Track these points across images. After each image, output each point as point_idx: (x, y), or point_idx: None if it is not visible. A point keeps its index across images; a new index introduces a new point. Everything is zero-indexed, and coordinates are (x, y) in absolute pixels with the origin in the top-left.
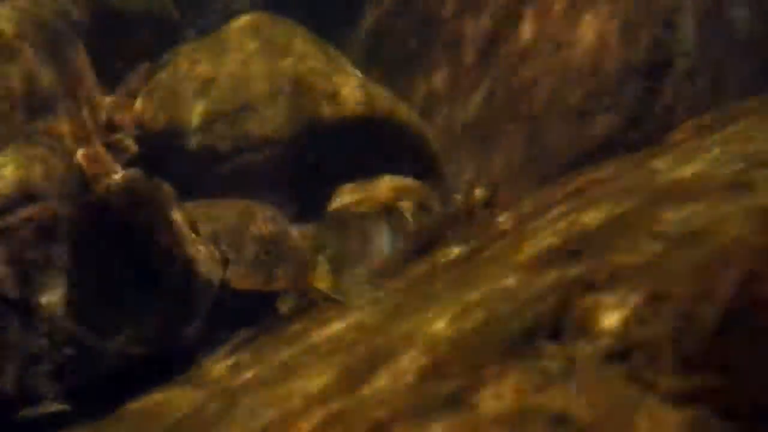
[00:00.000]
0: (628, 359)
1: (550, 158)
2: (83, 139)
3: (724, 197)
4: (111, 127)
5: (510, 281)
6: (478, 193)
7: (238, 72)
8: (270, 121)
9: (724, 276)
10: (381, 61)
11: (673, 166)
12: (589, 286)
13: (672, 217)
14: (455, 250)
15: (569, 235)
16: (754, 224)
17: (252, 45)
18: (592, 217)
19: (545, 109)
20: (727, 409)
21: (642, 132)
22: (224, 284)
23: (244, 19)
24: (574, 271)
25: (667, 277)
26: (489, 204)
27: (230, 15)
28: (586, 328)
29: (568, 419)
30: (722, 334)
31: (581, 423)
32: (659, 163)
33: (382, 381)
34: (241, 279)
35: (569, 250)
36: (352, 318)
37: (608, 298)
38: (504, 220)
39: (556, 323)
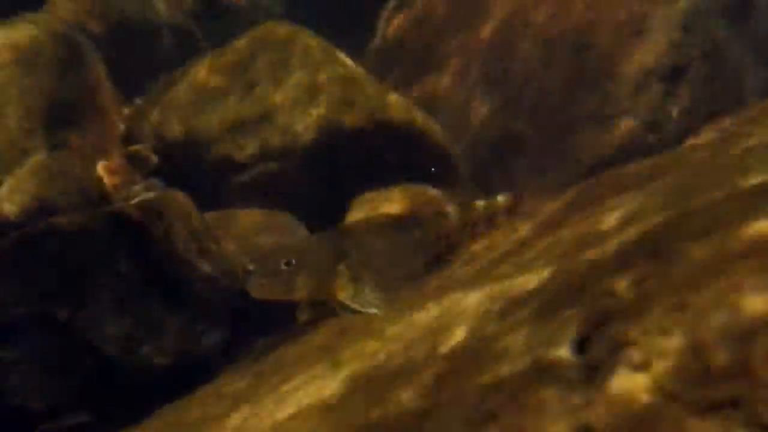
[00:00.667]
0: (651, 369)
1: (571, 164)
2: (103, 151)
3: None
4: (130, 138)
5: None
6: (501, 199)
7: (255, 81)
8: (288, 130)
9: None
10: (395, 68)
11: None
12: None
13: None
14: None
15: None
16: None
17: (270, 55)
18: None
19: (564, 114)
20: (752, 419)
21: (661, 136)
22: (245, 294)
23: (262, 29)
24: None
25: (689, 287)
26: (511, 211)
27: (248, 25)
28: (610, 338)
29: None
30: (747, 342)
31: None
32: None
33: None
34: (262, 289)
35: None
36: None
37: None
38: (523, 227)
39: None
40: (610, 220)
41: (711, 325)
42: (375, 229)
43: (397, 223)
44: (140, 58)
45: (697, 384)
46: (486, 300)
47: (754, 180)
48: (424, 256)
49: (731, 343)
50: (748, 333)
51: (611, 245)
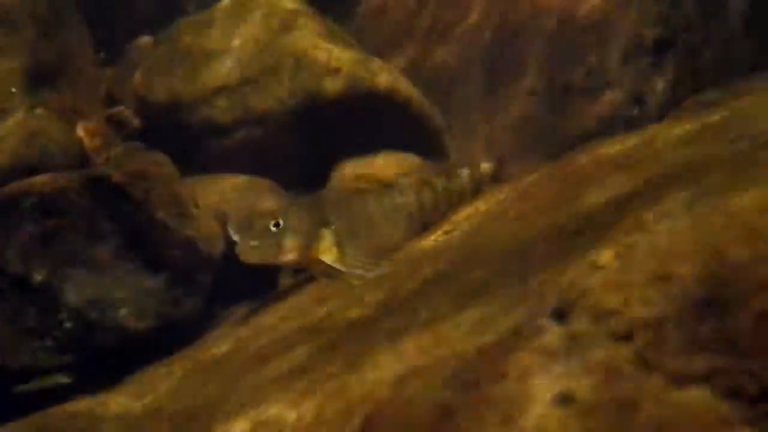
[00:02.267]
0: (633, 340)
1: (554, 135)
2: (83, 113)
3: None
4: (111, 100)
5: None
6: (485, 167)
7: (239, 46)
8: (271, 94)
9: (731, 257)
10: (379, 36)
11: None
12: (593, 265)
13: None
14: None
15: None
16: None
17: (254, 19)
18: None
19: (548, 86)
20: (733, 390)
21: (644, 109)
22: (228, 259)
23: None
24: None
25: (672, 257)
26: (496, 178)
27: None
28: (591, 308)
29: (572, 399)
30: (729, 315)
31: (586, 403)
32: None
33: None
34: (252, 252)
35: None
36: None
37: (613, 278)
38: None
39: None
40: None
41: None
42: (357, 195)
43: (379, 190)
44: (123, 19)
45: (679, 355)
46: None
47: None
48: (407, 223)
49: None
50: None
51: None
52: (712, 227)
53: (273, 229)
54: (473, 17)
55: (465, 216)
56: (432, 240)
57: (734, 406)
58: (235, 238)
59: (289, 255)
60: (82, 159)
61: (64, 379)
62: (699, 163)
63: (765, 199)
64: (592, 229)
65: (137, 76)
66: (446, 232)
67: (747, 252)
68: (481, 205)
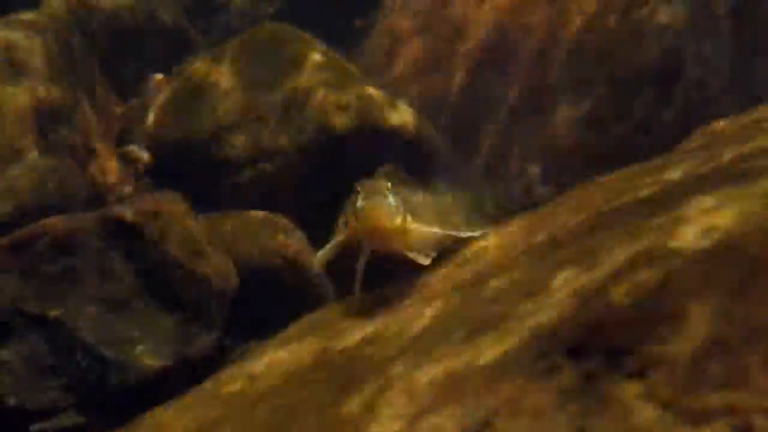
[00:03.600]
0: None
1: (565, 163)
2: (96, 151)
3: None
4: (124, 138)
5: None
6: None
7: (252, 82)
8: (283, 131)
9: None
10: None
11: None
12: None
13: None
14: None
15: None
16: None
17: (266, 56)
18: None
19: (559, 114)
20: (746, 427)
21: (653, 139)
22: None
23: (258, 30)
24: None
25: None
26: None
27: (244, 26)
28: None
29: None
30: (738, 353)
31: None
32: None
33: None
34: (373, 215)
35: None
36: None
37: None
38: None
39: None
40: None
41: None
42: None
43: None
44: (135, 57)
45: (691, 392)
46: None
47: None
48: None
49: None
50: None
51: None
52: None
53: (390, 196)
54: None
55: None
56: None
57: None
58: (362, 203)
59: (397, 220)
60: (96, 198)
61: (79, 419)
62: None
63: None
64: None
65: (150, 114)
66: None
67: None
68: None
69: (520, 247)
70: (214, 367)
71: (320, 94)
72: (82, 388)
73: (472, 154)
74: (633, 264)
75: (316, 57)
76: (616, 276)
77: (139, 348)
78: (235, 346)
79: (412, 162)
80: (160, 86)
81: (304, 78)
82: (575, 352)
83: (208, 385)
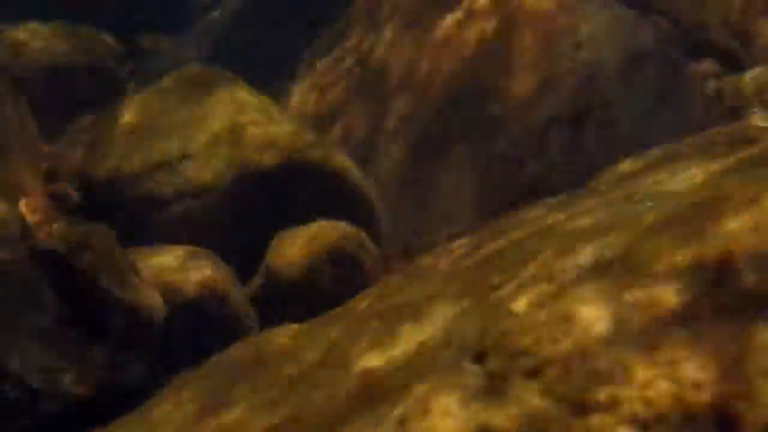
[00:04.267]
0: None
1: (481, 202)
2: (25, 189)
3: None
4: (52, 176)
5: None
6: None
7: (178, 121)
8: (209, 168)
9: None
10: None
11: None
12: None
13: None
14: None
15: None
16: None
17: (192, 96)
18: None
19: (474, 156)
20: (630, 417)
21: (565, 178)
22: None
23: (185, 72)
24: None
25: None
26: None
27: (171, 68)
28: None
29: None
30: (627, 347)
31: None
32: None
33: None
34: None
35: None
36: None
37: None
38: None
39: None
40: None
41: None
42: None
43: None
44: (65, 97)
45: (582, 387)
46: None
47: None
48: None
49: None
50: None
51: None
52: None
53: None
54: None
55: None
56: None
57: None
58: None
59: None
60: (24, 235)
61: None
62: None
63: None
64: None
65: (78, 152)
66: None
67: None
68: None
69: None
70: (143, 396)
71: (247, 131)
72: (11, 418)
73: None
74: (534, 278)
75: (243, 96)
76: (519, 287)
77: (67, 377)
78: (163, 376)
79: (338, 200)
80: (89, 125)
81: (231, 116)
82: (480, 356)
83: (135, 414)
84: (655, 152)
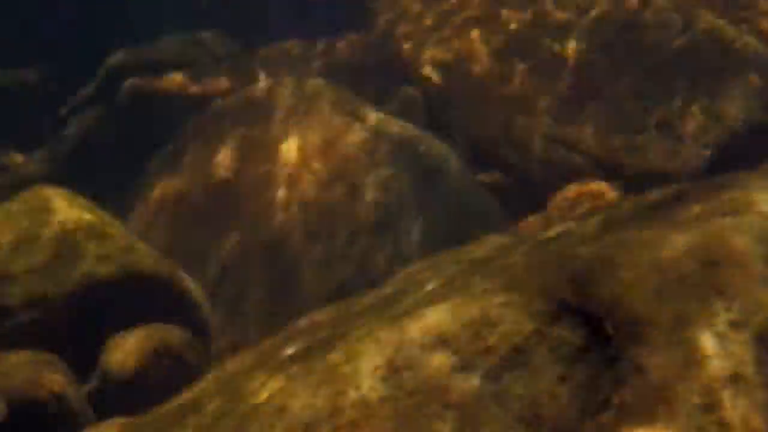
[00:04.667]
0: None
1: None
2: None
3: None
4: None
5: None
6: None
7: (22, 236)
8: (50, 281)
9: None
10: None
11: None
12: None
13: None
14: None
15: None
16: None
17: (32, 217)
18: None
19: (294, 260)
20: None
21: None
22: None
23: (28, 193)
24: None
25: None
26: None
27: (19, 185)
28: None
29: None
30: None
31: None
32: None
33: None
34: None
35: None
36: None
37: None
38: None
39: None
40: None
41: None
42: None
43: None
44: None
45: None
46: None
47: None
48: None
49: None
50: None
51: None
52: None
53: None
54: None
55: None
56: None
57: None
58: None
59: None
60: None
61: None
62: None
63: None
64: None
65: None
66: None
67: None
68: None
69: None
70: None
71: (87, 246)
72: None
73: None
74: None
75: (80, 213)
76: None
77: None
78: None
79: (167, 305)
80: None
81: (68, 231)
82: None
83: None
84: None
